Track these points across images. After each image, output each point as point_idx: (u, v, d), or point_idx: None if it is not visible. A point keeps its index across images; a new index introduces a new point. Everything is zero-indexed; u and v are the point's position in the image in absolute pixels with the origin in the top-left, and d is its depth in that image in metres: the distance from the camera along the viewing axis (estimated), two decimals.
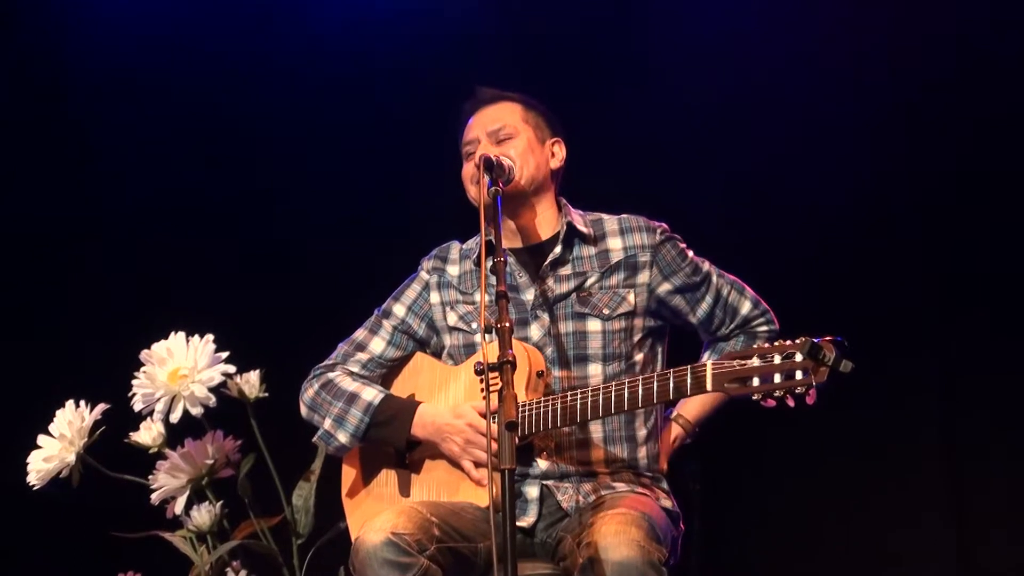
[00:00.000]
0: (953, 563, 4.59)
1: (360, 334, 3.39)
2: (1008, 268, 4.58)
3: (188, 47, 5.14)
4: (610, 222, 3.30)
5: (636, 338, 3.21)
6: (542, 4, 4.97)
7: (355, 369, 3.34)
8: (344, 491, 3.37)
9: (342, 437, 3.23)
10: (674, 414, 3.34)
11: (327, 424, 3.26)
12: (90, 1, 5.17)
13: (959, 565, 4.59)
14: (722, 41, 4.86)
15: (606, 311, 3.19)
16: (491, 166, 3.12)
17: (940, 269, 4.65)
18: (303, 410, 3.34)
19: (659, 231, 3.27)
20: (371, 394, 3.24)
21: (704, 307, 3.27)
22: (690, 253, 3.29)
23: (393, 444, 3.24)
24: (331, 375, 3.32)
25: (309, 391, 3.33)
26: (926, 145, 4.69)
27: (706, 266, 3.29)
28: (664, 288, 3.24)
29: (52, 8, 5.16)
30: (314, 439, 3.30)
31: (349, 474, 3.37)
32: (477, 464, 3.11)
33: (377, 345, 3.37)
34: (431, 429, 3.16)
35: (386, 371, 3.37)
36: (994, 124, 4.62)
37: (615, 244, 3.26)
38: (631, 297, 3.21)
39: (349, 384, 3.28)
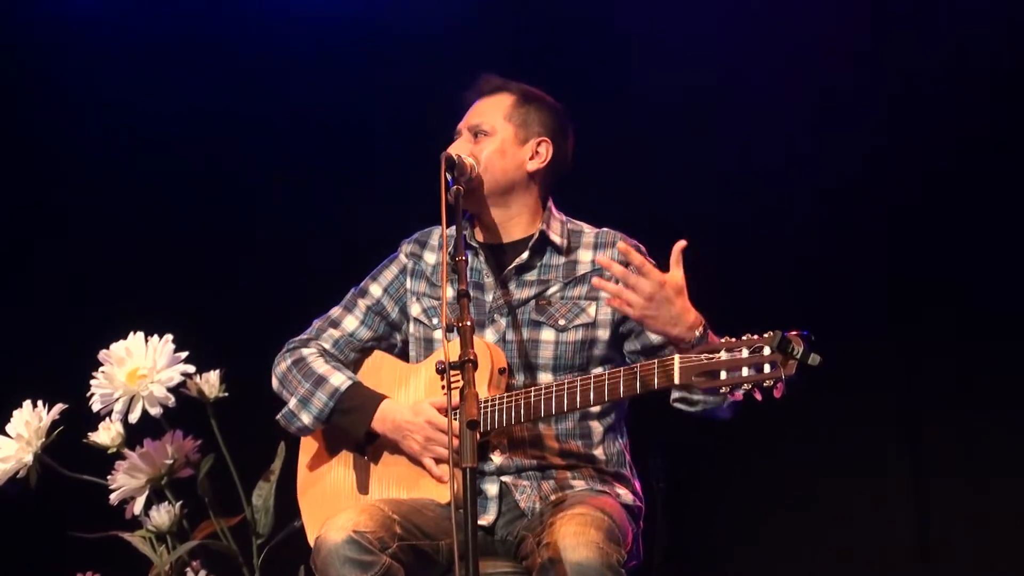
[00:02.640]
0: (915, 554, 4.67)
1: (336, 311, 3.38)
2: (969, 268, 4.66)
3: (152, 43, 5.15)
4: (588, 235, 3.28)
5: (594, 351, 3.18)
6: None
7: (327, 346, 3.32)
8: (299, 488, 3.37)
9: (305, 418, 3.23)
10: None
11: (292, 403, 3.26)
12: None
13: (920, 555, 4.66)
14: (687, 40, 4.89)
15: (562, 321, 3.17)
16: (452, 165, 3.11)
17: (903, 269, 4.72)
18: (274, 382, 3.33)
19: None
20: (339, 379, 3.22)
21: (632, 345, 3.20)
22: (623, 247, 3.22)
23: (352, 434, 3.23)
24: (304, 351, 3.31)
25: (282, 365, 3.32)
26: (900, 148, 4.74)
27: None
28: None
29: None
30: (277, 417, 3.29)
31: (304, 471, 3.37)
32: (438, 461, 3.10)
33: (351, 323, 3.35)
34: (390, 426, 3.15)
35: (357, 352, 3.35)
36: (962, 128, 4.67)
37: (585, 257, 3.24)
38: (591, 309, 3.18)
39: (320, 365, 3.26)
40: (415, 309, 3.31)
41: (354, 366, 3.32)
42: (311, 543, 3.12)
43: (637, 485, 3.22)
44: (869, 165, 4.75)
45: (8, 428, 3.31)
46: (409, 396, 3.23)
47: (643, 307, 2.86)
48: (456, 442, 2.66)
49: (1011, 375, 4.61)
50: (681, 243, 2.87)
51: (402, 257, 3.37)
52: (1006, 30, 4.66)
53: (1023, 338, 4.59)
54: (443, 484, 3.08)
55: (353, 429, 3.21)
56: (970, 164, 4.67)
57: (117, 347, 3.29)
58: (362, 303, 3.36)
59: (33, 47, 5.13)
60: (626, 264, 2.90)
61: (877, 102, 4.76)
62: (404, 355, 3.35)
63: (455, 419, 2.68)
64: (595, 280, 2.99)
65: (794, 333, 2.70)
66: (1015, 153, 4.66)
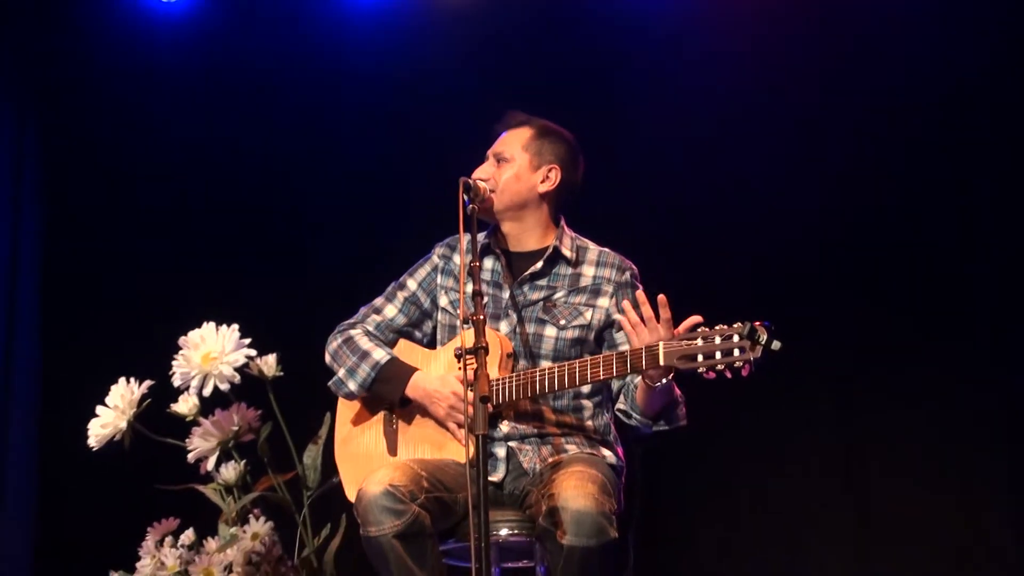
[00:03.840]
0: (852, 518, 4.62)
1: (378, 301, 3.33)
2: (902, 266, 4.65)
3: (219, 58, 5.13)
4: (592, 252, 3.27)
5: (585, 348, 3.16)
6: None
7: (370, 328, 3.27)
8: (337, 452, 3.31)
9: (351, 385, 3.18)
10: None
11: (341, 373, 3.21)
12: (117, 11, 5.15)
13: (858, 519, 4.62)
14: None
15: (563, 321, 3.16)
16: (468, 188, 3.10)
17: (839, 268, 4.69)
18: (327, 357, 3.27)
19: (628, 272, 3.24)
20: (380, 355, 3.18)
21: (621, 339, 3.14)
22: (640, 296, 3.18)
23: (388, 400, 3.18)
24: (352, 332, 3.26)
25: (333, 343, 3.27)
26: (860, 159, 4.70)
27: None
28: (616, 315, 3.15)
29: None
30: (329, 383, 3.24)
31: (341, 437, 3.31)
32: (459, 426, 3.08)
33: (390, 311, 3.30)
34: (421, 393, 3.11)
35: (395, 334, 3.29)
36: (916, 129, 4.66)
37: (588, 271, 3.22)
38: (588, 314, 3.17)
39: (365, 343, 3.22)
40: (443, 300, 3.29)
41: (390, 347, 3.28)
42: (348, 496, 3.14)
43: (620, 450, 3.20)
44: (824, 186, 4.73)
45: (107, 400, 3.36)
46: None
47: (643, 342, 2.89)
48: (471, 412, 2.69)
49: (923, 365, 4.62)
50: (662, 296, 2.87)
51: (435, 258, 3.34)
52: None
53: (931, 334, 4.61)
54: (462, 446, 3.02)
55: (390, 395, 3.17)
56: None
57: (194, 335, 3.35)
58: (400, 295, 3.32)
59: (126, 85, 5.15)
60: (636, 305, 2.92)
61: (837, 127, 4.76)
62: (432, 340, 3.33)
63: (472, 396, 2.70)
64: (618, 317, 2.99)
65: (760, 324, 2.72)
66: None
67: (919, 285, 4.63)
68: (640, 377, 2.99)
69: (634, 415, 3.10)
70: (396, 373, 3.15)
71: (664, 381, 2.92)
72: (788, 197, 4.72)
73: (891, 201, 4.67)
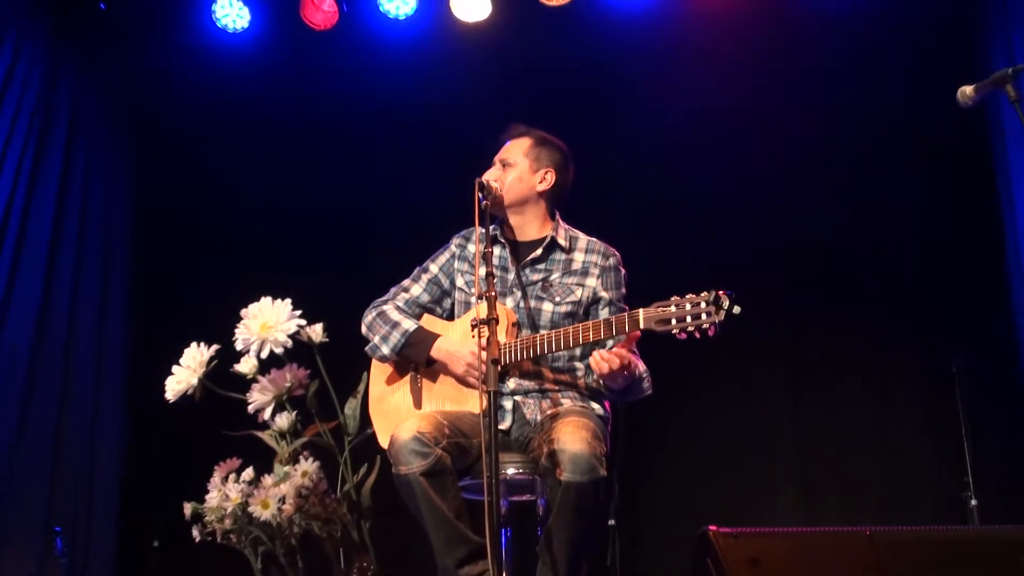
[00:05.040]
0: (795, 449, 4.64)
1: (406, 282, 3.35)
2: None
3: (276, 78, 5.13)
4: (582, 241, 3.28)
5: (576, 319, 3.16)
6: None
7: (400, 304, 3.29)
8: (371, 406, 3.31)
9: (384, 350, 3.20)
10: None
11: (376, 340, 3.22)
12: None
13: (799, 451, 4.63)
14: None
15: (557, 298, 3.17)
16: (482, 188, 3.11)
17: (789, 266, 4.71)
18: (363, 328, 3.28)
19: (612, 258, 3.25)
20: (409, 324, 3.21)
21: (604, 313, 3.18)
22: (623, 279, 3.26)
23: (416, 360, 3.19)
24: (385, 307, 3.27)
25: (369, 316, 3.28)
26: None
27: (622, 291, 3.25)
28: (600, 292, 3.20)
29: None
30: (366, 348, 3.25)
31: (374, 395, 3.31)
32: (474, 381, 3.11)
33: (416, 290, 3.32)
34: (444, 354, 3.13)
35: (420, 310, 3.30)
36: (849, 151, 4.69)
37: (579, 257, 3.24)
38: (578, 292, 3.19)
39: (395, 315, 3.24)
40: (460, 281, 3.31)
41: (416, 320, 3.29)
42: (381, 443, 3.16)
43: (607, 404, 3.20)
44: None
45: (181, 361, 3.39)
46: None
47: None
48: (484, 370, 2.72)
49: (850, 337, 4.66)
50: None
51: (452, 247, 3.36)
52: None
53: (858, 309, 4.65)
54: (474, 396, 3.08)
55: (417, 357, 3.18)
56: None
57: (253, 307, 3.39)
58: (424, 277, 3.34)
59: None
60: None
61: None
62: (450, 314, 3.32)
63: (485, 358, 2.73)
64: (591, 361, 2.96)
65: (723, 292, 2.74)
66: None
67: (848, 272, 4.70)
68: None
69: (602, 389, 3.12)
70: (422, 339, 3.18)
71: (620, 378, 2.93)
72: (750, 198, 4.78)
73: (832, 203, 4.74)
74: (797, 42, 4.79)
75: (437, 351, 3.14)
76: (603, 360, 2.89)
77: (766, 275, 4.64)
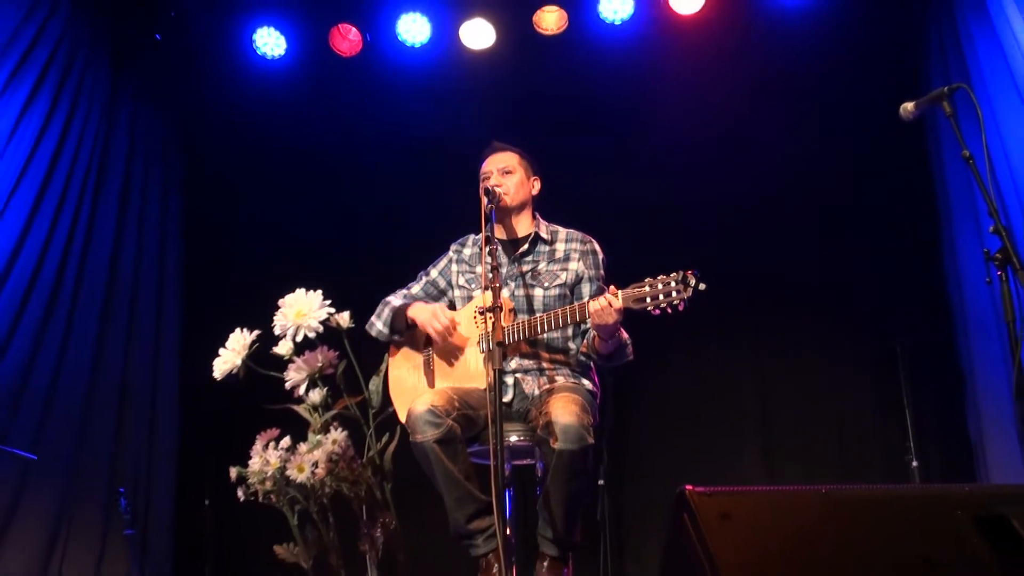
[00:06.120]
0: (759, 420, 4.64)
1: (411, 284, 3.41)
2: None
3: (312, 95, 5.10)
4: (561, 233, 3.28)
5: (564, 301, 3.17)
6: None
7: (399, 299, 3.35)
8: (390, 386, 3.35)
9: (379, 324, 3.29)
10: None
11: (373, 318, 3.32)
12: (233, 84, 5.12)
13: (764, 423, 4.63)
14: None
15: (546, 283, 3.18)
16: (489, 193, 3.11)
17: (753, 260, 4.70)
18: (373, 316, 3.35)
19: (589, 243, 3.26)
20: (398, 303, 3.29)
21: (586, 292, 3.20)
22: (601, 261, 3.26)
23: (400, 328, 3.23)
24: (389, 299, 3.35)
25: (377, 308, 3.35)
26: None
27: (601, 272, 3.25)
28: (582, 272, 3.21)
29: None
30: (365, 327, 3.32)
31: (393, 376, 3.36)
32: (464, 350, 3.16)
33: (415, 289, 3.38)
34: (415, 310, 3.20)
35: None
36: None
37: (560, 246, 3.25)
38: (563, 276, 3.19)
39: (392, 301, 3.33)
40: (460, 280, 3.32)
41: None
42: (400, 418, 3.18)
43: (596, 379, 3.22)
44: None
45: (227, 344, 3.37)
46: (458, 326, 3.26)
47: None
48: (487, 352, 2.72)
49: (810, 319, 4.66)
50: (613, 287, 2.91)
51: (451, 253, 3.39)
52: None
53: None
54: (480, 374, 3.09)
55: (400, 324, 3.23)
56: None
57: (290, 297, 3.35)
58: (425, 279, 3.38)
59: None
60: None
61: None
62: (453, 309, 3.33)
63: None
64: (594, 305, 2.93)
65: (690, 271, 2.73)
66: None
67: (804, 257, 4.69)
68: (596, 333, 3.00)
69: (593, 356, 3.12)
70: (403, 310, 3.22)
71: (610, 341, 2.94)
72: (724, 205, 4.77)
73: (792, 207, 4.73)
74: (762, 62, 4.80)
75: (412, 311, 3.19)
76: (603, 308, 2.86)
77: (735, 272, 4.60)
